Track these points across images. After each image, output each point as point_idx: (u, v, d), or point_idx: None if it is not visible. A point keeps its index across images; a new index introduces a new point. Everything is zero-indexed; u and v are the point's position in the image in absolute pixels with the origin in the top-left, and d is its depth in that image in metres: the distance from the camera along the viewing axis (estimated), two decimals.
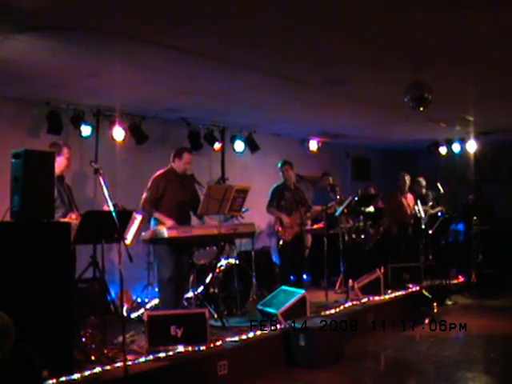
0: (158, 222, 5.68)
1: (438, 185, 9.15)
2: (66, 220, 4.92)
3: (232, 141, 8.56)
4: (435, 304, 7.52)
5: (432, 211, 8.98)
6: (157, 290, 6.37)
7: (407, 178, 9.20)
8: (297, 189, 7.59)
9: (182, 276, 5.84)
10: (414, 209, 8.90)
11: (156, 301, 6.52)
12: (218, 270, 6.24)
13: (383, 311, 6.95)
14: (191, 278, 5.90)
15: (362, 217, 8.48)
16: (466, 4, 3.94)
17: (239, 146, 8.57)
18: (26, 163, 4.08)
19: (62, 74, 5.41)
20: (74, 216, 5.10)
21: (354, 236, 8.23)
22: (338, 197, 7.70)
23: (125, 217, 4.78)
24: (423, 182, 9.53)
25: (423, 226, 8.15)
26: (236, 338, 5.15)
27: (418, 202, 8.54)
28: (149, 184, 5.93)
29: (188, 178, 6.07)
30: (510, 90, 6.59)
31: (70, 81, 5.66)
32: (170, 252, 5.61)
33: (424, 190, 9.52)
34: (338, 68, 5.50)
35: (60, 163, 5.16)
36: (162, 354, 4.60)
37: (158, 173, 6.00)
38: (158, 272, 5.90)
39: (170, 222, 5.58)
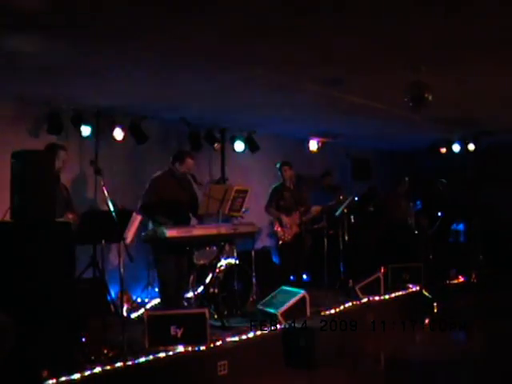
0: (157, 223, 5.68)
1: (438, 185, 9.18)
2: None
3: (232, 141, 8.55)
4: (435, 304, 7.52)
5: None
6: (157, 289, 6.38)
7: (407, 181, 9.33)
8: (296, 189, 7.58)
9: (182, 276, 5.84)
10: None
11: (156, 301, 6.52)
12: (218, 270, 6.24)
13: (383, 311, 6.95)
14: (191, 278, 5.90)
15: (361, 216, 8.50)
16: (466, 4, 3.94)
17: (239, 145, 8.56)
18: (26, 163, 4.08)
19: (63, 74, 5.41)
20: (70, 216, 5.10)
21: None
22: (341, 197, 7.70)
23: (124, 216, 4.78)
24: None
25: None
26: (236, 338, 5.15)
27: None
28: (147, 186, 5.92)
29: (186, 179, 6.08)
30: (509, 90, 6.59)
31: (70, 81, 5.66)
32: (169, 252, 5.61)
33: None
34: (337, 68, 5.50)
35: (56, 165, 5.15)
36: (161, 354, 4.60)
37: (157, 174, 6.00)
38: (158, 272, 5.91)
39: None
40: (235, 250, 6.74)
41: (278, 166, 7.53)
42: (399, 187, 9.27)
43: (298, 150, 9.52)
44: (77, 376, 4.02)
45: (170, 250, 5.60)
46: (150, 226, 5.82)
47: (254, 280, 6.64)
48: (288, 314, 5.69)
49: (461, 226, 10.26)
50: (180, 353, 4.69)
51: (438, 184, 9.56)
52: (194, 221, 6.34)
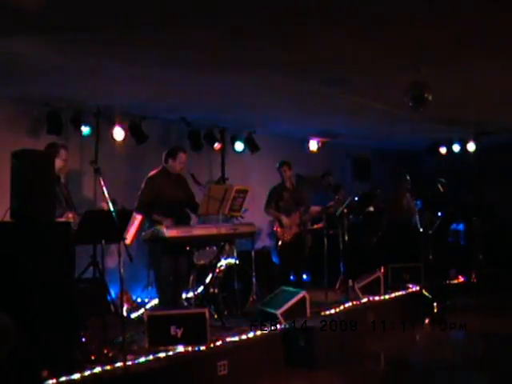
0: (155, 223, 5.67)
1: (439, 185, 9.18)
2: (63, 220, 4.93)
3: (232, 141, 8.55)
4: (435, 304, 7.52)
5: None
6: (156, 289, 6.37)
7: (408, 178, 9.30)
8: (295, 189, 7.58)
9: (180, 276, 5.83)
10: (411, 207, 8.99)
11: (156, 301, 6.52)
12: (218, 270, 6.24)
13: (383, 311, 6.94)
14: (191, 277, 5.90)
15: (361, 216, 8.50)
16: (466, 4, 3.94)
17: (239, 146, 8.56)
18: (26, 163, 4.08)
19: (63, 75, 5.41)
20: (70, 215, 5.10)
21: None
22: (337, 197, 7.70)
23: (124, 216, 4.78)
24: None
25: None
26: (236, 338, 5.14)
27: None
28: (142, 185, 5.91)
29: (181, 177, 6.07)
30: (509, 90, 6.59)
31: (70, 81, 5.66)
32: (168, 251, 5.60)
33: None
34: (337, 68, 5.50)
35: (56, 164, 5.15)
36: (161, 354, 4.59)
37: (151, 173, 5.99)
38: (156, 271, 5.90)
39: (168, 222, 5.58)
40: (235, 250, 6.73)
41: (277, 165, 7.53)
42: (401, 184, 9.24)
43: (298, 150, 9.52)
44: (77, 376, 4.01)
45: (168, 250, 5.59)
46: (148, 225, 5.81)
47: (254, 280, 6.64)
48: (288, 314, 5.68)
49: (461, 226, 10.25)
50: (180, 353, 4.68)
51: (438, 184, 9.55)
52: (193, 220, 6.35)
